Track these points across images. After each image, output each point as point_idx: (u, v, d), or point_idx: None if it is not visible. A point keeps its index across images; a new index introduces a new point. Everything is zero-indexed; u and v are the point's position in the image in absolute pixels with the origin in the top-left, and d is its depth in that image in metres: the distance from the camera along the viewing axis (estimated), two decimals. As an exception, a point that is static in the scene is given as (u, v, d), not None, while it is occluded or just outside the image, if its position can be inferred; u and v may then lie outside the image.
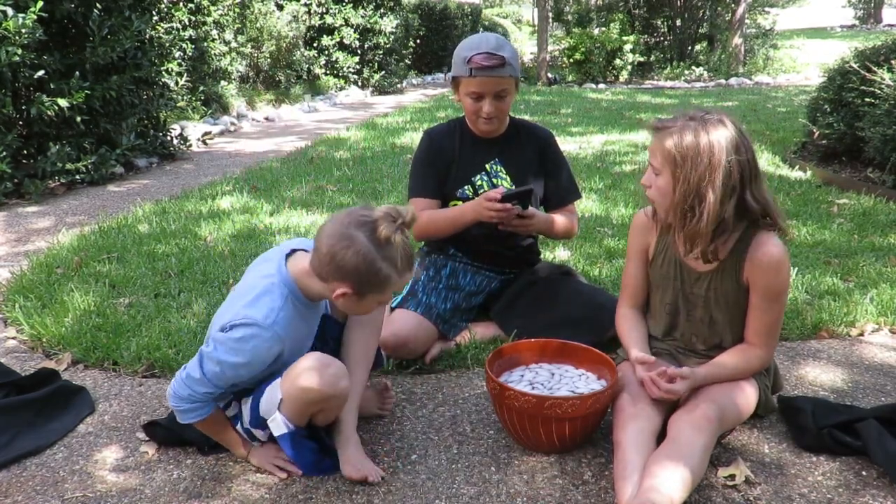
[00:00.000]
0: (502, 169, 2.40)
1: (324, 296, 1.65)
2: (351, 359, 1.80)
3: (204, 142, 6.74)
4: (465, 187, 2.39)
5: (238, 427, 1.74)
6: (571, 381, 1.88)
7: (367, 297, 1.59)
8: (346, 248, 1.52)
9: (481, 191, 2.38)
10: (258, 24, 9.17)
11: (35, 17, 4.13)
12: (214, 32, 7.84)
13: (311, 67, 10.62)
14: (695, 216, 1.62)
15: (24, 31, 4.07)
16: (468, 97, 2.27)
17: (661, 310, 1.89)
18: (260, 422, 1.69)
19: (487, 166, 2.40)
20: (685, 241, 1.71)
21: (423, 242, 2.59)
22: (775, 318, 1.74)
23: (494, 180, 2.39)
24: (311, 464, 1.70)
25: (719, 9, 13.65)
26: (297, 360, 1.61)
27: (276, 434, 1.66)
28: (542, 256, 2.68)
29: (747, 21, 13.43)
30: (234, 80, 8.52)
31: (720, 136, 1.59)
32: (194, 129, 6.83)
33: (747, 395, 1.74)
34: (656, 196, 1.71)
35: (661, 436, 1.64)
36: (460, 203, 2.39)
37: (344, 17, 10.72)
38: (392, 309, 2.41)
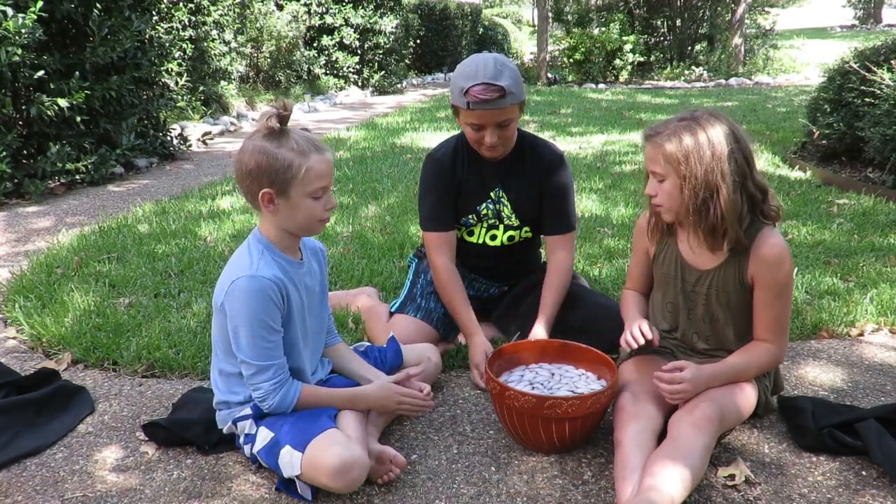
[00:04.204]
0: (504, 195, 2.32)
1: (291, 236, 1.71)
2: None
3: (204, 142, 6.73)
4: (470, 216, 2.33)
5: (247, 449, 1.70)
6: (571, 381, 1.88)
7: (290, 192, 1.60)
8: (243, 154, 1.61)
9: (486, 220, 2.34)
10: (258, 24, 9.17)
11: (35, 17, 4.13)
12: (214, 32, 7.84)
13: (311, 67, 10.62)
14: (710, 210, 1.65)
15: (24, 31, 4.07)
16: (468, 127, 2.14)
17: (663, 308, 1.90)
18: (270, 462, 1.64)
19: (492, 194, 2.31)
20: (706, 238, 1.71)
21: (419, 244, 2.57)
22: (782, 313, 1.75)
23: (497, 206, 2.32)
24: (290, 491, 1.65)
25: (719, 9, 13.65)
26: (322, 445, 1.55)
27: (286, 475, 1.60)
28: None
29: (747, 21, 13.42)
30: (234, 80, 8.52)
31: (716, 130, 1.64)
32: (194, 129, 6.83)
33: (747, 396, 1.74)
34: (665, 201, 1.71)
35: (662, 435, 1.64)
36: (464, 230, 2.35)
37: (344, 17, 10.72)
38: (391, 314, 2.40)
